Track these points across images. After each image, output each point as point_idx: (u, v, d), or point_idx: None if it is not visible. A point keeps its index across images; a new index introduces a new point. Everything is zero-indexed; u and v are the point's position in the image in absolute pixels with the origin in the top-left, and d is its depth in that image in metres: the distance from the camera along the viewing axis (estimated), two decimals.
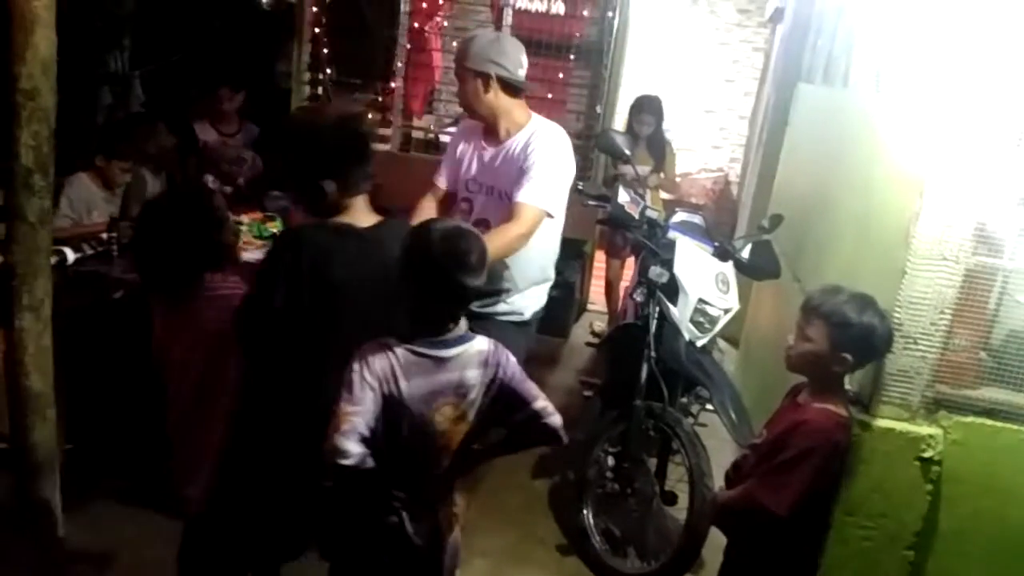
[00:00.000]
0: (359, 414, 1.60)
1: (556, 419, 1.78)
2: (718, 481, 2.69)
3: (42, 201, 2.30)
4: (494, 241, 2.37)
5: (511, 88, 2.54)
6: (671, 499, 2.89)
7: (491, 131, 2.64)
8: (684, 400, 3.15)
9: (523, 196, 2.48)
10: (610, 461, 2.95)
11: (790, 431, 1.93)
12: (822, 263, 2.85)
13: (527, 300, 2.72)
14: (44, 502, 2.60)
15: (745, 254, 3.01)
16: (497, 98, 2.54)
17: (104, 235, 2.95)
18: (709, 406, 3.08)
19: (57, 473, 2.69)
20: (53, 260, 2.48)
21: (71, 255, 2.74)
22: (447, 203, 2.81)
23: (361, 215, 1.93)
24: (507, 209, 2.52)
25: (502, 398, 1.76)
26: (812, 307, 1.92)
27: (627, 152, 2.69)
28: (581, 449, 2.99)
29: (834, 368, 1.91)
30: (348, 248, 1.84)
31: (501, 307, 2.70)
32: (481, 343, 1.75)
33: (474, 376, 1.72)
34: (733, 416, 2.76)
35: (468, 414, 1.74)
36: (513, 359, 1.79)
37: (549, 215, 2.51)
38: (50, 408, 2.51)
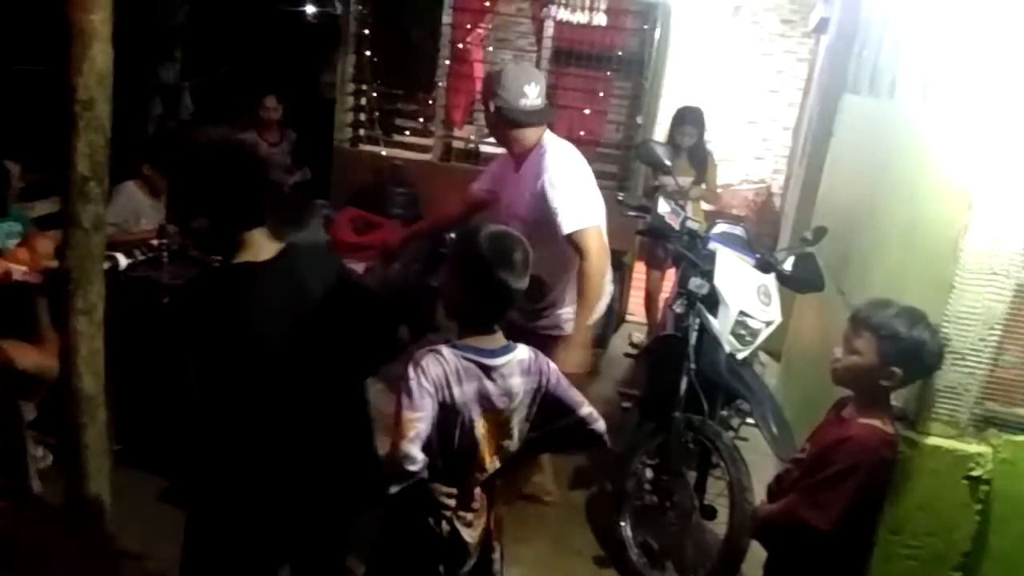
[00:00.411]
0: (422, 420, 1.63)
1: (601, 424, 1.82)
2: (759, 496, 2.66)
3: (96, 208, 2.37)
4: (589, 291, 2.54)
5: (510, 119, 2.60)
6: (710, 513, 2.86)
7: (514, 158, 2.75)
8: (724, 413, 3.11)
9: (570, 225, 2.53)
10: (648, 473, 2.93)
11: (835, 446, 1.90)
12: (867, 276, 2.80)
13: (565, 314, 2.73)
14: (94, 501, 2.67)
15: (788, 266, 2.97)
16: (500, 129, 2.64)
17: (154, 241, 3.02)
18: (750, 419, 3.04)
19: (107, 473, 2.77)
20: (106, 265, 2.55)
21: (123, 260, 2.81)
22: (474, 210, 2.90)
23: (260, 248, 1.82)
24: (528, 232, 2.56)
25: (547, 405, 1.80)
26: (861, 320, 1.90)
27: (667, 163, 2.68)
28: (619, 461, 2.98)
29: (881, 383, 1.88)
30: (250, 294, 1.78)
31: (543, 321, 2.72)
32: (523, 351, 1.78)
33: (518, 384, 1.75)
34: (774, 429, 2.72)
35: (511, 421, 1.77)
36: (554, 366, 1.82)
37: (594, 225, 2.56)
38: (101, 409, 2.58)
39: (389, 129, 5.38)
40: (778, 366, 4.65)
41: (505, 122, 2.61)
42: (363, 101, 5.29)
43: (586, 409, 1.81)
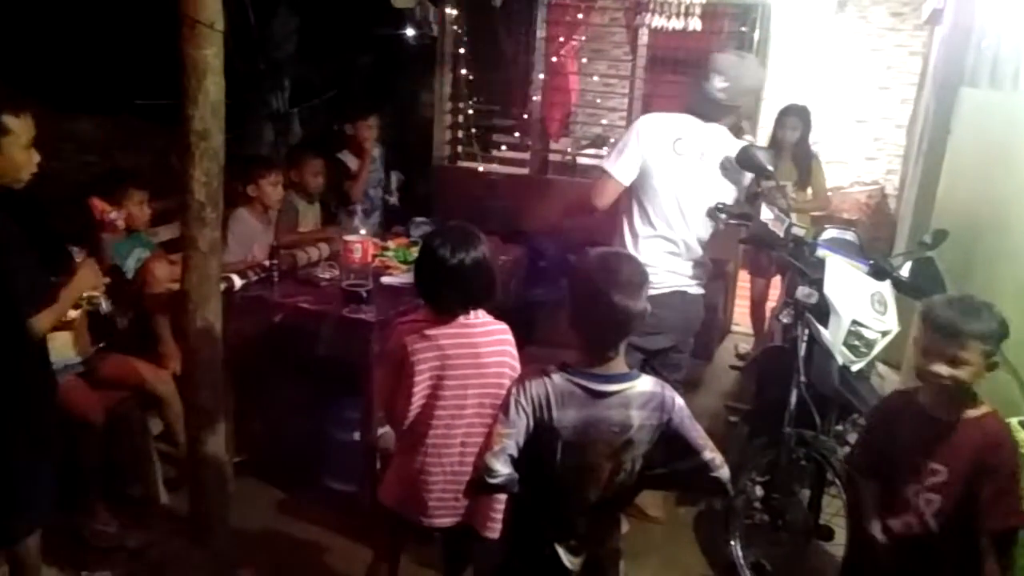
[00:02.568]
0: (511, 436, 1.65)
1: (725, 472, 1.73)
2: None
3: (213, 232, 2.51)
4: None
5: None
6: (827, 534, 2.72)
7: None
8: (840, 428, 2.97)
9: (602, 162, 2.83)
10: (758, 491, 2.82)
11: (992, 448, 1.93)
12: (994, 281, 2.62)
13: None
14: (215, 510, 2.81)
15: (904, 272, 2.81)
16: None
17: (266, 262, 3.15)
18: None
19: (227, 483, 2.91)
20: (222, 286, 2.69)
21: (238, 281, 2.95)
22: None
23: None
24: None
25: (669, 443, 1.73)
26: (964, 332, 1.89)
27: (769, 167, 2.59)
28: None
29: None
30: None
31: None
32: (645, 383, 1.71)
33: (636, 417, 1.69)
34: None
35: (624, 453, 1.71)
36: (682, 402, 1.74)
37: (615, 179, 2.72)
38: (219, 422, 2.72)
39: (486, 144, 5.45)
40: (897, 376, 4.40)
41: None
42: (460, 118, 5.38)
43: (710, 454, 1.71)
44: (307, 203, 3.99)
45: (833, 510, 2.71)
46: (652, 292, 2.75)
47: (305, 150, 4.09)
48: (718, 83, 2.69)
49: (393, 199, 4.81)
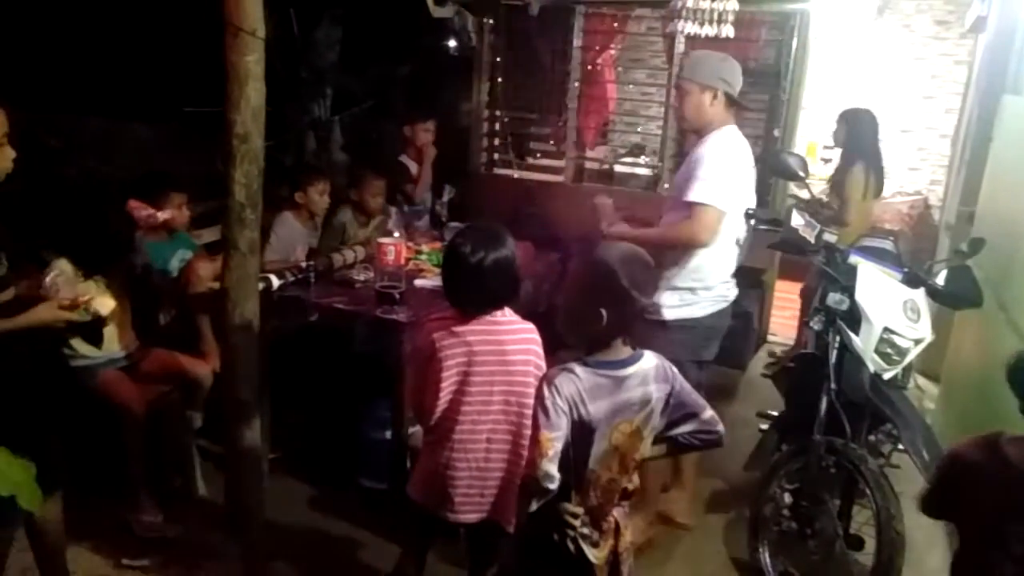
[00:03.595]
0: (558, 439, 1.69)
1: (721, 426, 1.86)
2: (910, 525, 2.50)
3: (252, 233, 2.58)
4: (665, 232, 2.72)
5: (729, 103, 2.78)
6: (857, 543, 2.70)
7: (697, 139, 2.86)
8: (873, 438, 2.94)
9: (695, 195, 2.65)
10: (787, 498, 2.80)
11: None
12: None
13: (668, 298, 2.79)
14: (250, 504, 2.88)
15: (940, 280, 2.78)
16: (714, 109, 2.76)
17: (303, 264, 3.24)
18: (901, 445, 2.85)
19: (263, 478, 2.98)
20: (260, 286, 2.77)
21: (276, 281, 3.03)
22: None
23: None
24: (673, 205, 2.76)
25: (674, 410, 1.82)
26: None
27: (801, 173, 2.59)
28: (756, 484, 2.88)
29: None
30: None
31: None
32: (650, 358, 1.80)
33: (654, 390, 1.78)
34: (925, 455, 2.53)
35: (643, 429, 1.79)
36: (676, 371, 1.84)
37: (720, 210, 2.66)
38: (256, 417, 2.79)
39: (522, 152, 5.50)
40: (937, 389, 4.32)
41: (727, 104, 2.78)
42: (496, 126, 5.44)
43: (708, 412, 1.84)
44: (360, 224, 3.99)
45: (863, 519, 2.68)
46: (723, 304, 2.83)
47: (367, 171, 4.06)
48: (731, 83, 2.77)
49: (443, 210, 4.90)
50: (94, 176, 4.47)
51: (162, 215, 3.14)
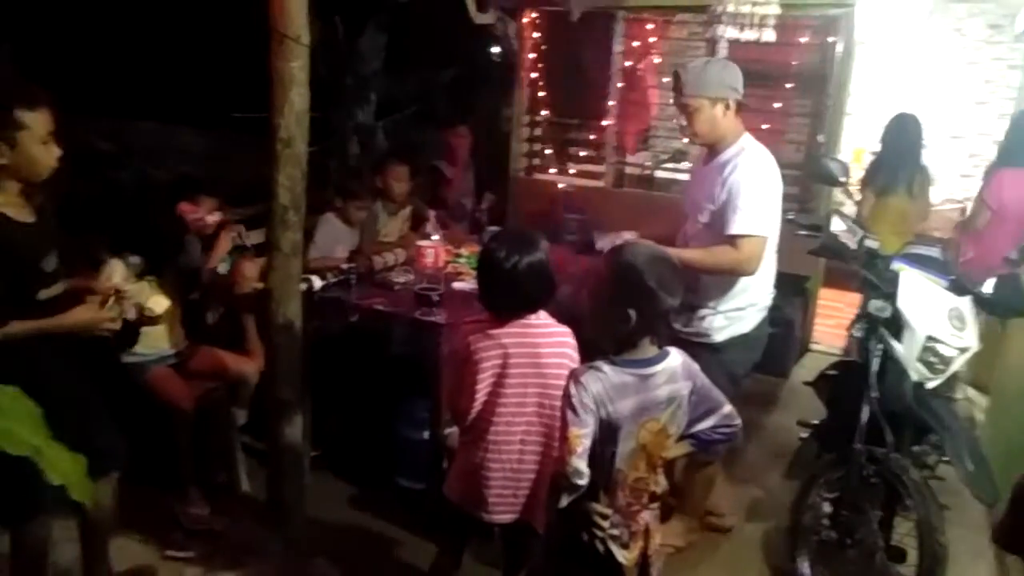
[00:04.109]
0: (587, 436, 1.72)
1: (739, 421, 1.89)
2: (952, 538, 2.45)
3: (295, 235, 2.66)
4: (707, 258, 2.60)
5: (739, 108, 2.68)
6: (899, 555, 2.64)
7: (711, 152, 2.78)
8: (917, 449, 2.87)
9: (739, 228, 2.57)
10: (826, 508, 2.76)
11: None
12: None
13: (718, 322, 2.73)
14: (291, 500, 2.95)
15: (987, 288, 2.71)
16: (727, 119, 2.67)
17: (344, 265, 3.30)
18: (945, 456, 2.79)
19: (303, 475, 3.05)
20: (302, 287, 2.84)
21: (317, 282, 3.10)
22: None
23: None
24: (704, 222, 2.70)
25: (696, 406, 1.84)
26: None
27: (842, 179, 2.56)
28: (795, 493, 2.84)
29: None
30: None
31: (691, 326, 2.71)
32: (675, 356, 1.83)
33: (681, 388, 1.80)
34: (970, 466, 2.48)
35: (669, 427, 1.81)
36: (697, 366, 1.85)
37: (764, 237, 2.58)
38: (297, 415, 2.86)
39: (562, 158, 5.51)
40: (987, 401, 4.21)
41: (737, 111, 2.69)
42: (537, 131, 5.47)
43: (727, 408, 1.86)
44: (389, 213, 4.11)
45: (905, 530, 2.63)
46: (766, 313, 2.81)
47: (390, 158, 4.21)
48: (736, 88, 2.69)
49: (483, 216, 4.95)
50: (146, 179, 4.61)
51: (211, 218, 3.22)
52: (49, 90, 2.12)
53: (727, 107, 2.65)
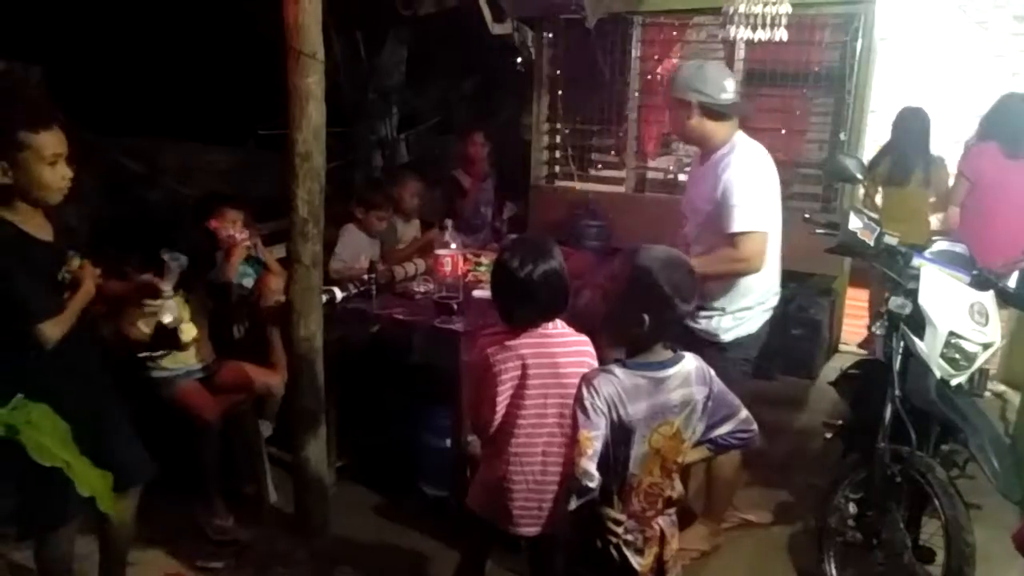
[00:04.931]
0: (598, 438, 1.72)
1: (755, 425, 1.88)
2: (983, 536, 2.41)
3: (314, 247, 2.71)
4: (711, 265, 2.58)
5: (713, 113, 2.68)
6: (927, 556, 2.61)
7: (704, 153, 2.83)
8: (945, 448, 2.83)
9: (738, 225, 2.59)
10: (852, 508, 2.73)
11: None
12: None
13: (726, 323, 2.75)
14: (317, 511, 2.99)
15: (1011, 283, 2.67)
16: (701, 124, 2.69)
17: (365, 276, 3.35)
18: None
19: (328, 484, 3.09)
20: (324, 298, 2.88)
21: (339, 293, 3.14)
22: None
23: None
24: (701, 223, 2.73)
25: (712, 412, 1.83)
26: None
27: (859, 176, 2.54)
28: (821, 494, 2.82)
29: None
30: None
31: (701, 323, 2.74)
32: (690, 361, 1.82)
33: (695, 392, 1.80)
34: (995, 464, 2.44)
35: (684, 432, 1.80)
36: (713, 372, 1.86)
37: (764, 232, 2.60)
38: (320, 426, 2.90)
39: (583, 164, 5.53)
40: (1019, 398, 4.13)
41: (709, 115, 2.69)
42: (557, 139, 5.49)
43: (744, 412, 1.86)
44: (404, 221, 4.26)
45: (933, 530, 2.59)
46: (771, 312, 2.81)
47: (406, 172, 4.32)
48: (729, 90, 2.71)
49: (503, 227, 4.99)
50: (175, 197, 4.71)
51: (241, 236, 3.27)
52: (80, 112, 2.13)
53: (690, 109, 2.67)
